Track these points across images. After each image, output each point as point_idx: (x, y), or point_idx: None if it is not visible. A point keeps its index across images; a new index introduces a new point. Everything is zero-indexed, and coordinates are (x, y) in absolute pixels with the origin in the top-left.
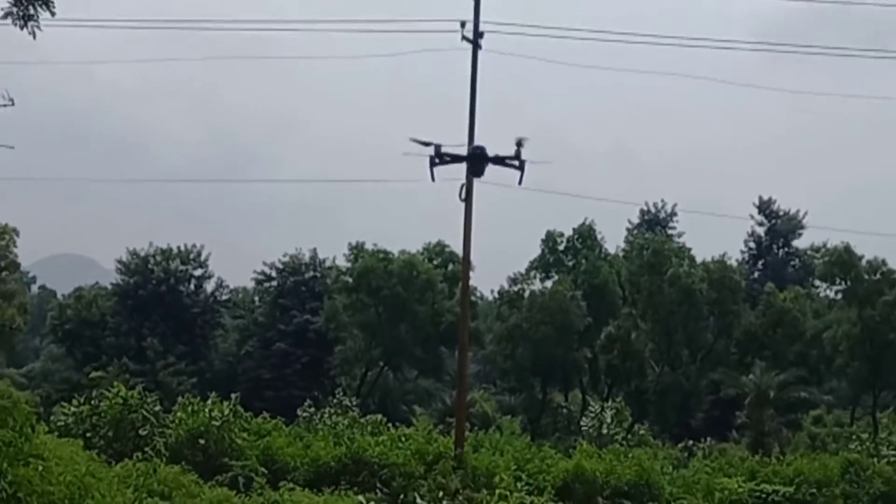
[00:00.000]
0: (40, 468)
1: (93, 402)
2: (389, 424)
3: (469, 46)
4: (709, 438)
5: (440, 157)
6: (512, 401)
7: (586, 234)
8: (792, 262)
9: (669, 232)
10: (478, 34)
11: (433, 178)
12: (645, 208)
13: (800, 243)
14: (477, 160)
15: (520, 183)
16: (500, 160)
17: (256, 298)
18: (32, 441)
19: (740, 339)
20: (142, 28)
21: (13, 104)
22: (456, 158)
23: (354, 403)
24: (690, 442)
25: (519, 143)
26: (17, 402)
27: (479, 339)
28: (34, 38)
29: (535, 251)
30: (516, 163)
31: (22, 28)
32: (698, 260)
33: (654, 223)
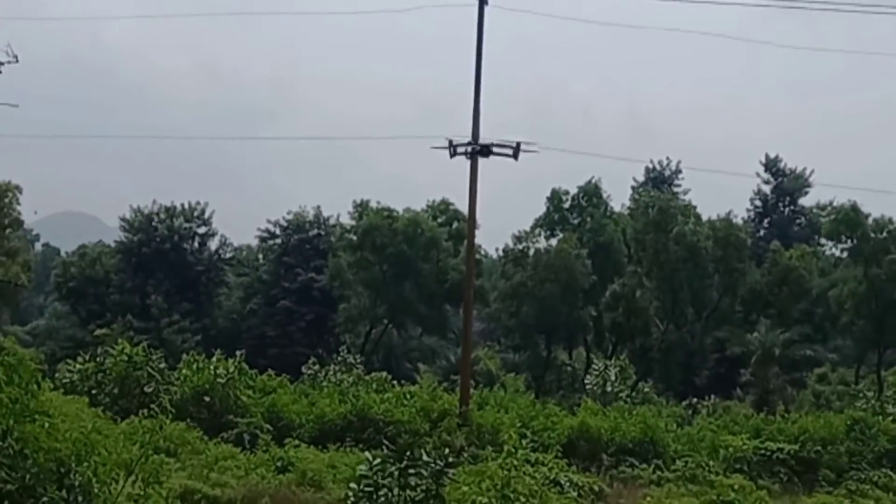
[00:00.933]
0: (46, 425)
1: (98, 359)
2: (394, 382)
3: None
4: (713, 396)
5: (454, 149)
6: (516, 358)
7: (592, 192)
8: (798, 221)
9: (675, 189)
10: None
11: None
12: (650, 166)
13: (806, 201)
14: (482, 152)
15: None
16: (498, 148)
17: (260, 256)
18: (38, 398)
19: (745, 297)
20: None
21: (17, 61)
22: (466, 153)
23: (359, 361)
24: (695, 400)
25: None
26: (22, 359)
27: (484, 297)
28: None
29: (540, 209)
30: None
31: None
32: (704, 218)
33: (659, 181)
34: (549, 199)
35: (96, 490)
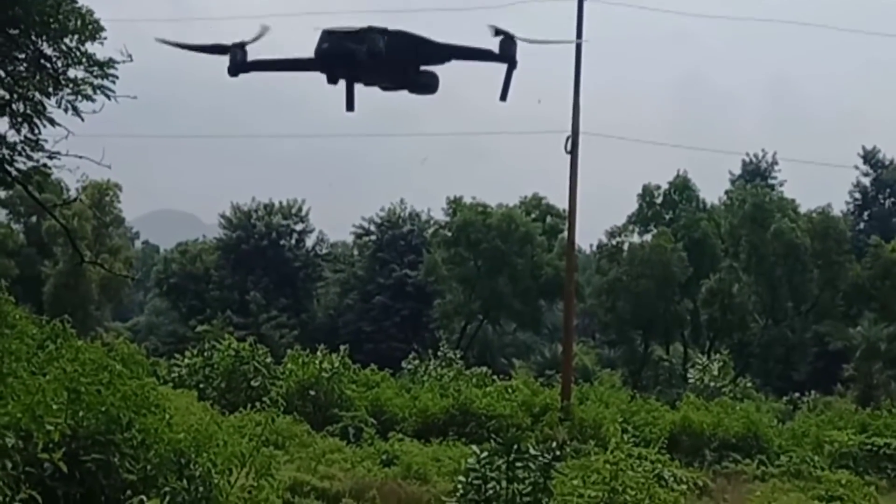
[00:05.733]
0: (167, 417)
1: (205, 354)
2: (493, 377)
3: None
4: (813, 392)
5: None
6: (612, 354)
7: (682, 187)
8: None
9: (771, 182)
10: None
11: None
12: (746, 158)
13: None
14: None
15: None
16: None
17: (356, 252)
18: (155, 391)
19: (847, 291)
20: None
21: (131, 60)
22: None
23: (458, 356)
24: (795, 395)
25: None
26: (134, 354)
27: (579, 293)
28: None
29: (630, 203)
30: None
31: None
32: (802, 210)
33: (755, 174)
34: (640, 195)
35: (215, 481)
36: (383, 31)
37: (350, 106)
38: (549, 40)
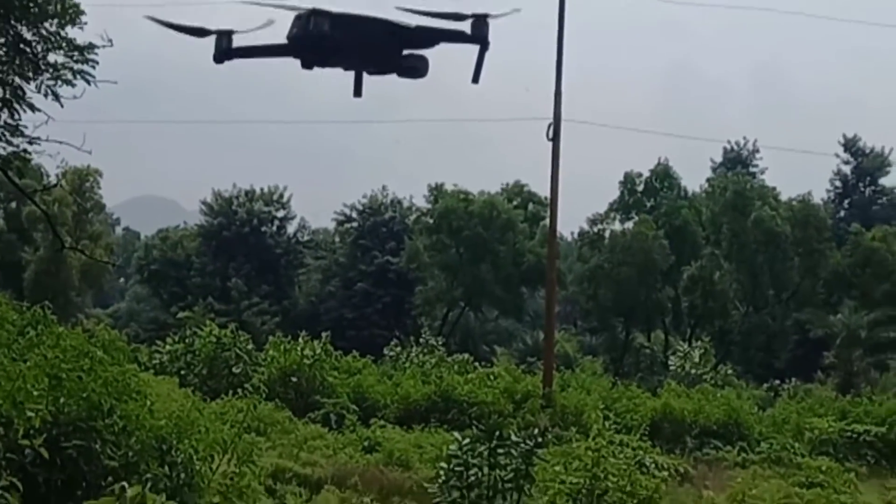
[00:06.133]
0: (148, 403)
1: (186, 340)
2: (475, 364)
3: None
4: (793, 379)
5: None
6: (593, 341)
7: (663, 174)
8: (879, 201)
9: (752, 170)
10: None
11: None
12: (728, 146)
13: (887, 181)
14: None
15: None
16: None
17: (337, 239)
18: (137, 377)
19: (827, 279)
20: None
21: (112, 44)
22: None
23: (440, 343)
24: (776, 382)
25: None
26: (115, 340)
27: (561, 280)
28: None
29: (612, 191)
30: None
31: None
32: (783, 198)
33: (736, 161)
34: (622, 182)
35: (197, 467)
36: (327, 14)
37: (358, 91)
38: (515, 9)
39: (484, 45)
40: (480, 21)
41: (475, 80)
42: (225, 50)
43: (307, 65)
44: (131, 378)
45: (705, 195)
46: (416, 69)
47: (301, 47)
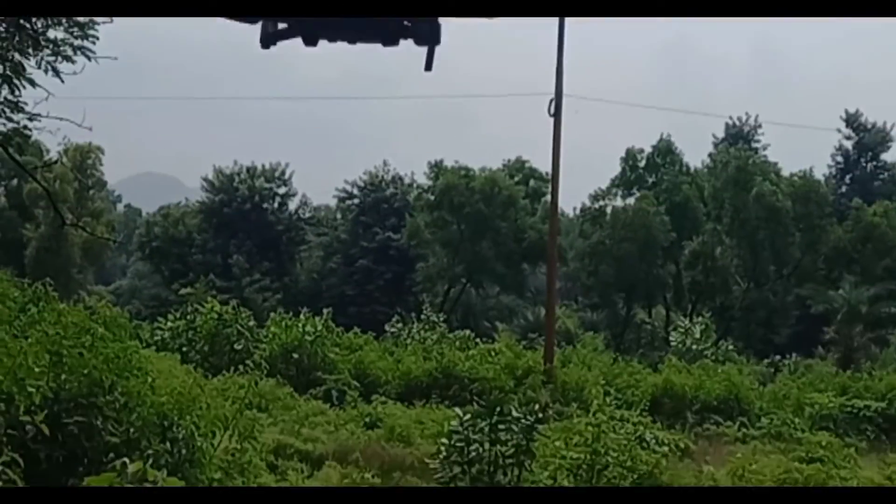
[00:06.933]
0: (149, 380)
1: (188, 317)
2: (477, 340)
3: None
4: (794, 355)
5: None
6: (594, 317)
7: (665, 150)
8: (880, 176)
9: (754, 145)
10: None
11: None
12: (730, 122)
13: (889, 157)
14: None
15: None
16: None
17: (339, 216)
18: (138, 354)
19: (828, 254)
20: None
21: (112, 21)
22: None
23: (441, 320)
24: (777, 358)
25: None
26: (116, 317)
27: (562, 256)
28: None
29: (613, 167)
30: None
31: None
32: (785, 174)
33: (738, 137)
34: (623, 158)
35: (198, 443)
36: None
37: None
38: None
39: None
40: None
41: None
42: (272, 33)
43: (312, 42)
44: (132, 355)
45: (707, 171)
46: (432, 35)
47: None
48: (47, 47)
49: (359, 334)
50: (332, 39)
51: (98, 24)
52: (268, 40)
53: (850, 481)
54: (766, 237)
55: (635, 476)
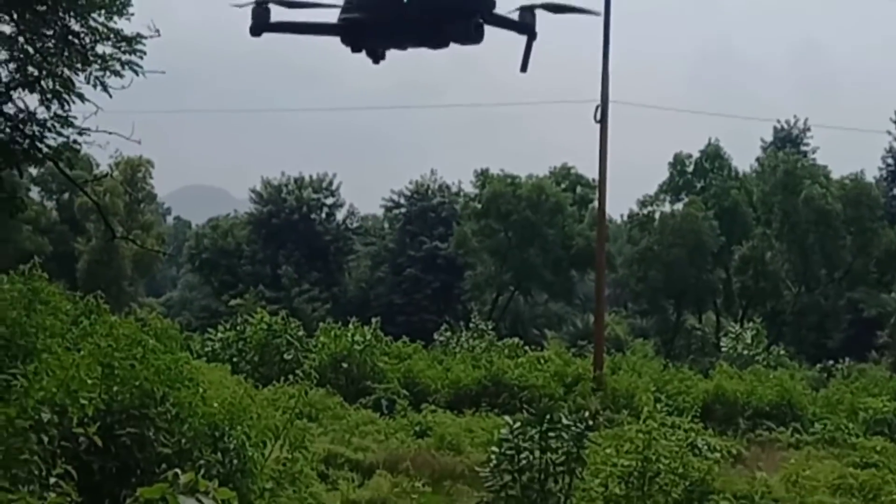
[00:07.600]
0: (201, 391)
1: (238, 328)
2: (525, 348)
3: None
4: (846, 359)
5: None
6: (644, 323)
7: (713, 155)
8: None
9: (803, 149)
10: None
11: None
12: (778, 125)
13: None
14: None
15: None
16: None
17: (386, 225)
18: (189, 365)
19: (880, 257)
20: None
21: (159, 35)
22: None
23: (490, 328)
24: (829, 362)
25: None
26: (167, 329)
27: (611, 263)
28: None
29: (660, 173)
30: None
31: None
32: (836, 176)
33: (787, 140)
34: (671, 163)
35: (250, 453)
36: None
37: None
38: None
39: (532, 35)
40: (528, 11)
41: (523, 69)
42: (263, 23)
43: (357, 49)
44: (183, 366)
45: (755, 175)
46: (476, 35)
47: (358, 30)
48: (96, 62)
49: (407, 343)
50: (380, 47)
51: (145, 38)
52: (258, 29)
53: None
54: (816, 241)
55: (687, 483)
